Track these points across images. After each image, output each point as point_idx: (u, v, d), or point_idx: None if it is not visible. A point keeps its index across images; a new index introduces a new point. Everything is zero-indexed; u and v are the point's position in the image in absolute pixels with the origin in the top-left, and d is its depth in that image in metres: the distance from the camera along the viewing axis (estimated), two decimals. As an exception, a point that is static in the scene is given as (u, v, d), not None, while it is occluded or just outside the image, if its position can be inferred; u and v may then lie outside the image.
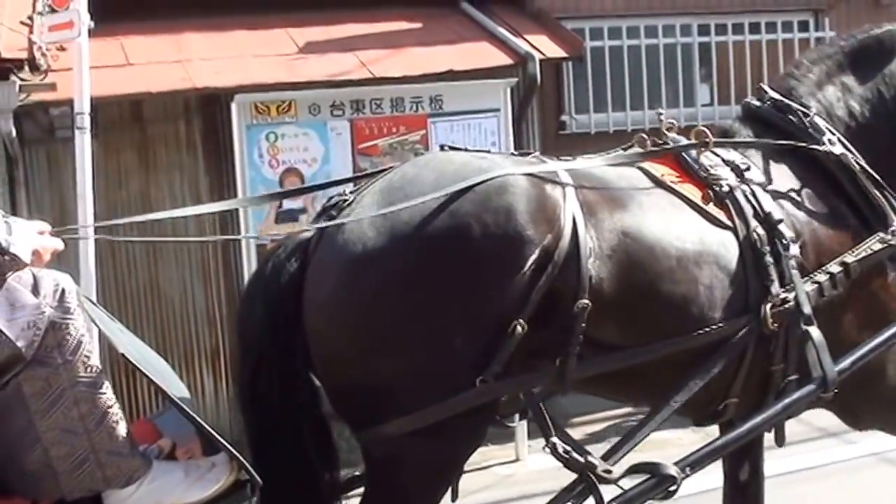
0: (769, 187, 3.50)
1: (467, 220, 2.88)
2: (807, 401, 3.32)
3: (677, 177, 3.43)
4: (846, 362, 3.34)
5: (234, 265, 7.64)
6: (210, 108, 7.65)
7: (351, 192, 3.11)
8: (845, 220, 3.54)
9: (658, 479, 3.08)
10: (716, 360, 3.21)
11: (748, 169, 3.52)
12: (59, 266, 2.89)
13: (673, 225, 3.22)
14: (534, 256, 2.90)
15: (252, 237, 6.57)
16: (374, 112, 6.92)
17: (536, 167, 3.15)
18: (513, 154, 3.52)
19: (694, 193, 3.37)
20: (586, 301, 2.95)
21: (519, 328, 2.86)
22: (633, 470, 3.11)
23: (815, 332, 3.26)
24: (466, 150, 3.36)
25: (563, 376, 3.04)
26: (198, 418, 2.89)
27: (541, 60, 7.96)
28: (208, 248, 7.67)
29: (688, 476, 3.11)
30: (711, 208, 3.35)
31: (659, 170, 3.43)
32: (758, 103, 3.82)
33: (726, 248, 3.28)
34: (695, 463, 3.17)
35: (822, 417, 3.68)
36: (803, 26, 9.66)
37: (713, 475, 3.63)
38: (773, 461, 4.08)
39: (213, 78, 7.34)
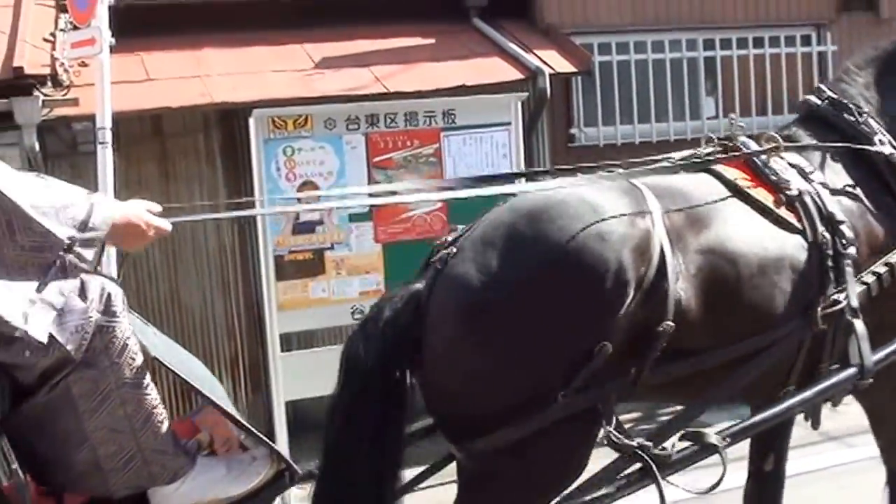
0: (830, 188, 3.64)
1: (568, 271, 3.01)
2: (844, 386, 3.48)
3: (750, 181, 3.55)
4: (883, 353, 3.52)
5: (252, 276, 7.83)
6: (228, 122, 7.84)
7: (449, 243, 3.23)
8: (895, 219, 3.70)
9: (701, 447, 3.24)
10: (774, 355, 3.36)
11: (812, 171, 3.66)
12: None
13: (752, 233, 3.36)
14: (627, 294, 3.03)
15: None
16: (389, 126, 7.06)
17: (623, 198, 3.22)
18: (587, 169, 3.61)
19: (766, 198, 3.50)
20: (671, 323, 3.09)
21: (606, 350, 2.99)
22: (679, 438, 3.27)
23: (859, 324, 3.42)
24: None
25: (635, 384, 3.14)
26: (236, 415, 3.04)
27: (550, 75, 8.14)
28: (227, 258, 7.85)
29: (728, 445, 3.26)
30: (783, 212, 3.48)
31: (732, 174, 3.56)
32: (818, 102, 3.96)
33: (798, 250, 3.43)
34: (735, 434, 3.32)
35: (824, 421, 3.76)
36: (806, 40, 9.84)
37: (735, 475, 3.70)
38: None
39: (231, 93, 7.53)
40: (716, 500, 3.74)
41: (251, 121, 6.85)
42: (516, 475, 3.09)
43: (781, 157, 3.65)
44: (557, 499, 3.12)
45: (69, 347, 2.66)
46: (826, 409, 3.72)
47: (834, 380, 3.46)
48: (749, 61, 9.57)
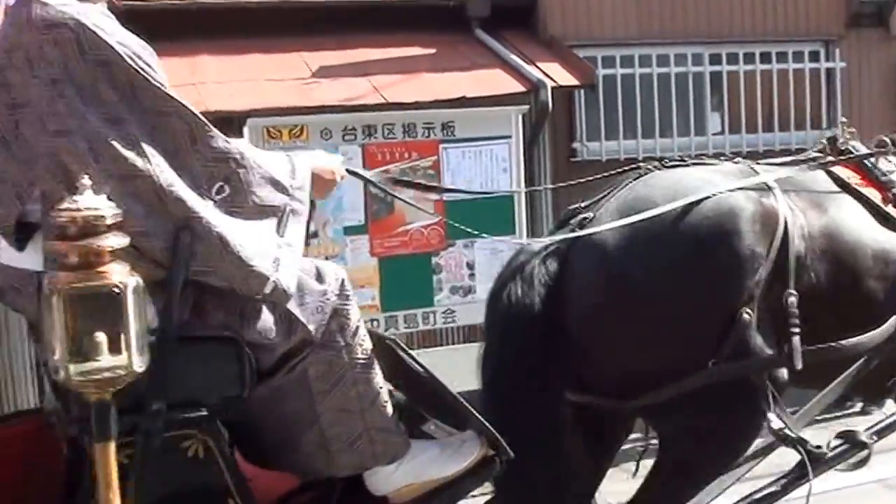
0: None
1: (706, 241, 3.34)
2: None
3: (861, 180, 3.81)
4: None
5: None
6: (224, 130, 7.61)
7: (584, 208, 3.56)
8: None
9: (852, 445, 3.54)
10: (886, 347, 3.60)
11: None
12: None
13: (864, 225, 3.65)
14: (757, 263, 3.33)
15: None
16: (387, 137, 6.93)
17: (752, 180, 3.54)
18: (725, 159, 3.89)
19: (875, 196, 3.76)
20: (794, 292, 3.36)
21: (745, 316, 3.28)
22: (835, 437, 3.55)
23: None
24: (684, 161, 3.77)
25: (790, 359, 3.36)
26: (454, 393, 2.96)
27: (553, 88, 8.00)
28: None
29: (875, 442, 3.58)
30: (891, 209, 3.73)
31: (844, 172, 3.81)
32: None
33: None
34: (880, 431, 3.68)
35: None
36: (814, 56, 9.68)
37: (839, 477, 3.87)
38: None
39: (227, 101, 7.37)
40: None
41: (245, 130, 6.73)
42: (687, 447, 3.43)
43: (889, 160, 3.94)
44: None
45: (310, 328, 2.71)
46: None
47: None
48: (756, 77, 9.43)
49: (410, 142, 6.98)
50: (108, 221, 2.17)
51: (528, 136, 7.77)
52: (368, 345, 2.84)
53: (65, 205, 2.16)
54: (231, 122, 7.41)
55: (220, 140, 2.60)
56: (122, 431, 2.29)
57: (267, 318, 2.66)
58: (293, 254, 2.66)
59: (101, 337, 2.13)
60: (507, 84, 8.02)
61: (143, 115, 2.47)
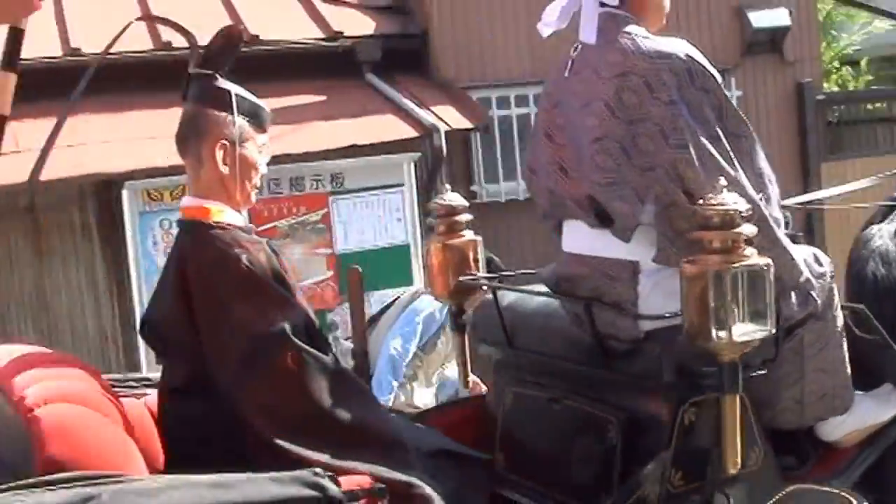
0: None
1: None
2: None
3: None
4: None
5: (136, 362, 7.36)
6: (106, 193, 7.41)
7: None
8: None
9: None
10: None
11: None
12: None
13: None
14: None
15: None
16: (273, 192, 6.74)
17: None
18: None
19: None
20: None
21: None
22: None
23: None
24: None
25: None
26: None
27: (446, 132, 7.86)
28: (108, 344, 7.39)
29: None
30: None
31: None
32: None
33: None
34: None
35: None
36: (711, 85, 9.62)
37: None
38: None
39: (106, 163, 7.11)
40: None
41: (124, 193, 6.49)
42: None
43: None
44: None
45: (819, 302, 3.09)
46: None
47: None
48: (654, 107, 9.32)
49: (298, 195, 6.80)
50: (743, 214, 2.66)
51: (423, 181, 7.60)
52: (841, 315, 3.23)
53: (710, 202, 2.65)
54: (112, 186, 7.17)
55: (763, 161, 3.07)
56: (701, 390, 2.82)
57: (794, 299, 3.05)
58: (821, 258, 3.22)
59: (743, 308, 2.64)
60: (399, 129, 7.85)
61: (727, 135, 2.94)
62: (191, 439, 2.84)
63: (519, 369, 3.40)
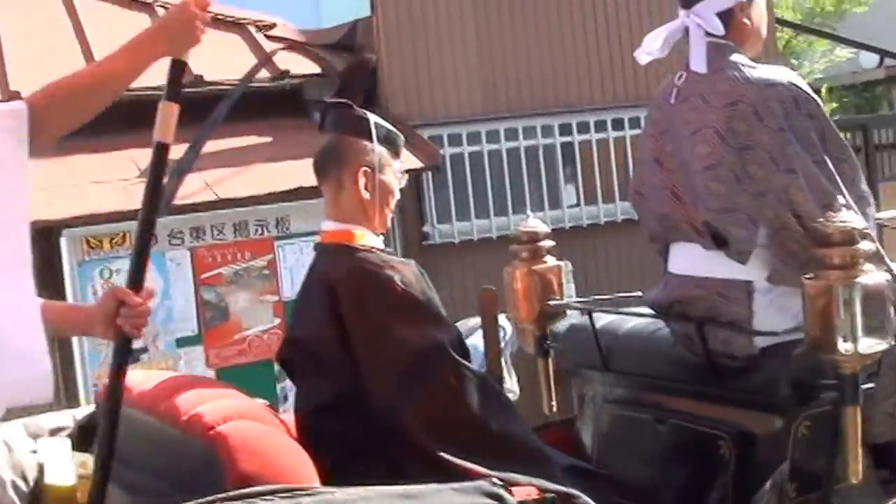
0: None
1: None
2: None
3: None
4: None
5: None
6: (45, 241, 7.11)
7: None
8: None
9: None
10: None
11: None
12: None
13: None
14: None
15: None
16: (216, 238, 6.55)
17: None
18: None
19: None
20: None
21: None
22: None
23: None
24: None
25: None
26: None
27: (397, 172, 7.66)
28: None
29: None
30: None
31: None
32: None
33: None
34: None
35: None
36: (666, 120, 9.53)
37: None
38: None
39: (45, 209, 6.83)
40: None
41: (62, 241, 6.28)
42: None
43: None
44: None
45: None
46: None
47: None
48: (609, 144, 9.22)
49: (243, 241, 6.60)
50: (861, 231, 2.79)
51: (373, 223, 7.40)
52: None
53: (831, 219, 2.76)
54: (50, 232, 6.93)
55: (863, 183, 3.20)
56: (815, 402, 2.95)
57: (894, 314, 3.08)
58: None
59: (864, 322, 2.74)
60: (347, 170, 7.65)
61: (831, 159, 3.07)
62: (344, 453, 2.90)
63: (615, 391, 3.50)
